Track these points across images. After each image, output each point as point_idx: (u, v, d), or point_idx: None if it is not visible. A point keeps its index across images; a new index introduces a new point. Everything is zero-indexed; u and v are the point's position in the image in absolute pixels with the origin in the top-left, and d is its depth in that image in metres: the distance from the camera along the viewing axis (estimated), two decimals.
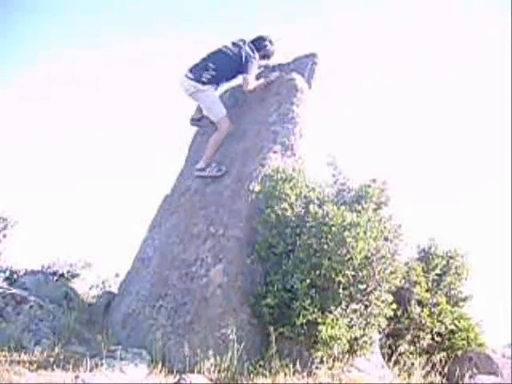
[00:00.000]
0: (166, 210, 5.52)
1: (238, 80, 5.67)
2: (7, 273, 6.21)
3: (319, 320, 3.92)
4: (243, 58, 5.38)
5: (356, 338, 4.17)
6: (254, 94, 5.58)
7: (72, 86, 17.12)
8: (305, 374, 3.96)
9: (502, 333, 6.26)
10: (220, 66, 5.37)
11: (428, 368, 4.72)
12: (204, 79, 5.32)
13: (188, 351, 3.96)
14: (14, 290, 4.74)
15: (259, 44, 5.60)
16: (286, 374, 3.87)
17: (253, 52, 5.47)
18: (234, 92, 6.02)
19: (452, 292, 5.38)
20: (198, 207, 5.02)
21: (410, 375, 4.54)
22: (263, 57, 5.70)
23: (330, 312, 4.00)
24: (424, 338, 4.96)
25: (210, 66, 5.36)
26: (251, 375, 3.88)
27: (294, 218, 4.45)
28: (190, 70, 5.41)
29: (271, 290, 4.16)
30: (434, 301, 5.08)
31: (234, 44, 5.51)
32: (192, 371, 3.84)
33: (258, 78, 5.70)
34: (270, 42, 5.67)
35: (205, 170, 5.26)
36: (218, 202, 4.88)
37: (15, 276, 6.10)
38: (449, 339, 5.15)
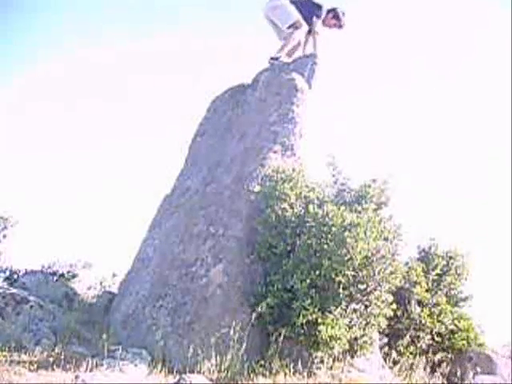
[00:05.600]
0: (166, 210, 5.52)
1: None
2: (7, 273, 6.20)
3: (319, 320, 3.93)
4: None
5: (356, 338, 4.17)
6: (254, 94, 5.59)
7: (72, 85, 17.13)
8: (305, 374, 3.96)
9: (502, 333, 6.26)
10: None
11: (428, 368, 4.72)
12: None
13: (188, 351, 3.96)
14: (13, 290, 4.73)
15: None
16: (286, 374, 3.87)
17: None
18: (234, 93, 6.02)
19: (452, 292, 5.38)
20: (197, 207, 5.02)
21: (410, 375, 4.54)
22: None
23: (330, 312, 4.00)
24: (424, 338, 4.96)
25: None
26: (251, 375, 3.88)
27: (293, 218, 4.45)
28: None
29: (271, 289, 4.16)
30: (434, 301, 5.08)
31: None
32: (192, 371, 3.83)
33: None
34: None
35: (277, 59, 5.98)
36: (218, 202, 4.88)
37: (15, 276, 6.09)
38: (449, 339, 5.16)
